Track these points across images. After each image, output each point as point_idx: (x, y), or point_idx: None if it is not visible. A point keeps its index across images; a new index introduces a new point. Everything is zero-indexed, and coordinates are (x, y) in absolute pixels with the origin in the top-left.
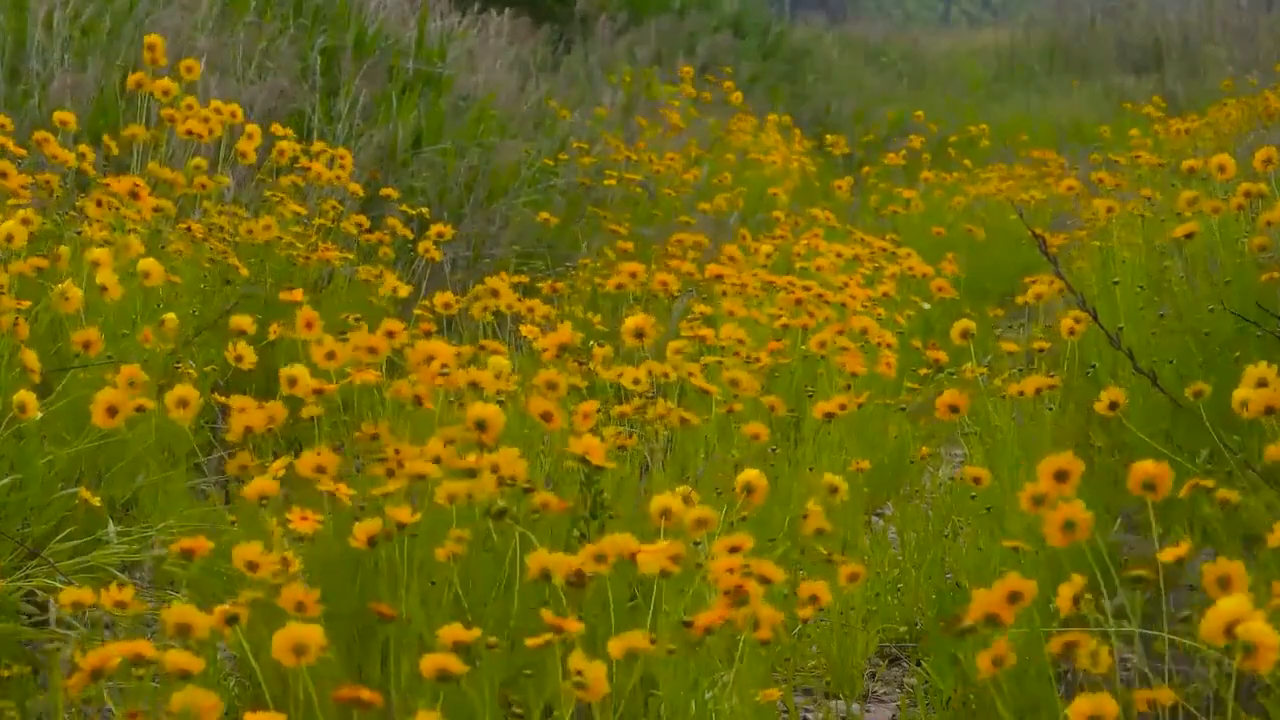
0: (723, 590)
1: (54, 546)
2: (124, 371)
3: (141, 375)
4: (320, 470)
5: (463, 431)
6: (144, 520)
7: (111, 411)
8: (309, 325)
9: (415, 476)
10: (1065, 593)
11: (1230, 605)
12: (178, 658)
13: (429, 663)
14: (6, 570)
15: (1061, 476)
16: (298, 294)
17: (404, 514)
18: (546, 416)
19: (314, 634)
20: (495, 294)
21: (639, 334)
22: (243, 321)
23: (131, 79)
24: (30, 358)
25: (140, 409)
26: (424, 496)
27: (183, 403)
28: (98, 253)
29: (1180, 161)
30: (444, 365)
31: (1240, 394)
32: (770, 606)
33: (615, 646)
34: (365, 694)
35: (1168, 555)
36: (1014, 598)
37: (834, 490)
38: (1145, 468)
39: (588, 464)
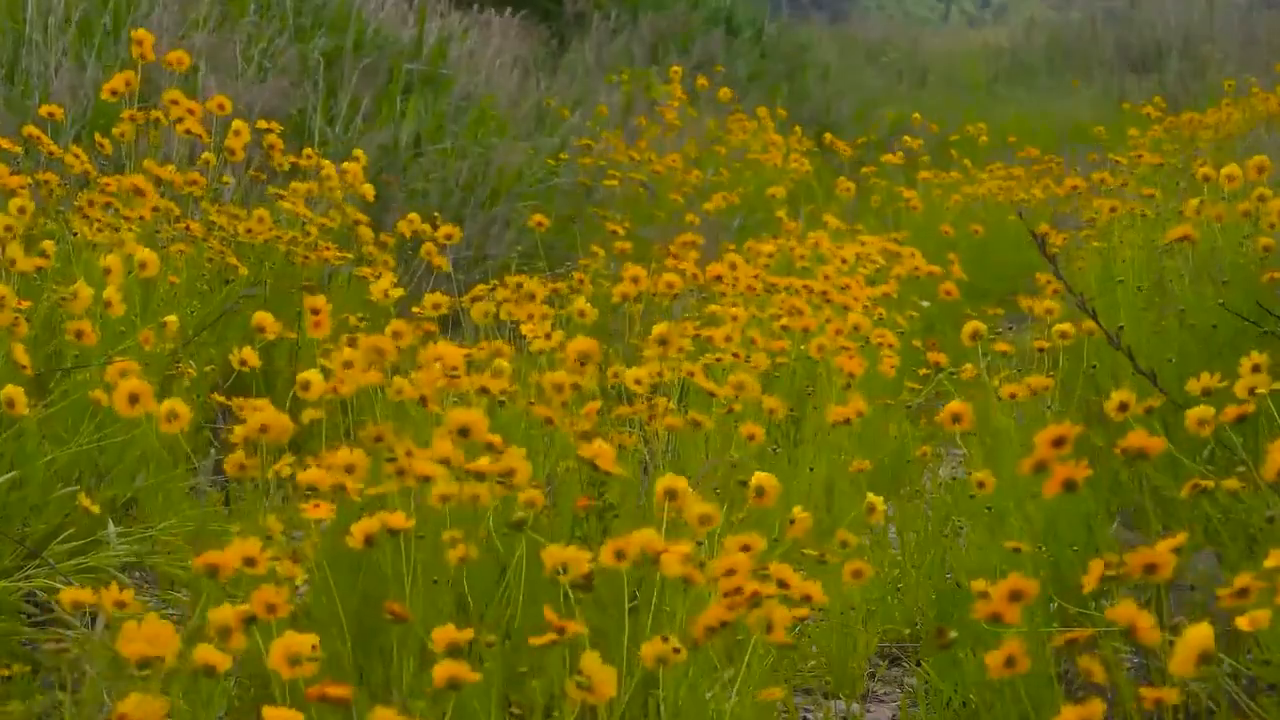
0: (742, 593)
1: (54, 547)
2: (116, 366)
3: (136, 369)
4: (349, 469)
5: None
6: (144, 520)
7: (133, 399)
8: (316, 313)
9: (420, 478)
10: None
11: (1199, 634)
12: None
13: (441, 670)
14: (7, 570)
15: (1059, 443)
16: (320, 300)
17: (399, 519)
18: (548, 421)
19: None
20: (532, 296)
21: (663, 342)
22: (264, 319)
23: (118, 78)
24: (20, 352)
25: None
26: (426, 497)
27: (173, 416)
28: (110, 259)
29: (1185, 160)
30: (453, 367)
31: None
32: (782, 607)
33: (647, 652)
34: (333, 691)
35: (1162, 549)
36: (1015, 596)
37: (871, 509)
38: (1136, 438)
39: (596, 469)
